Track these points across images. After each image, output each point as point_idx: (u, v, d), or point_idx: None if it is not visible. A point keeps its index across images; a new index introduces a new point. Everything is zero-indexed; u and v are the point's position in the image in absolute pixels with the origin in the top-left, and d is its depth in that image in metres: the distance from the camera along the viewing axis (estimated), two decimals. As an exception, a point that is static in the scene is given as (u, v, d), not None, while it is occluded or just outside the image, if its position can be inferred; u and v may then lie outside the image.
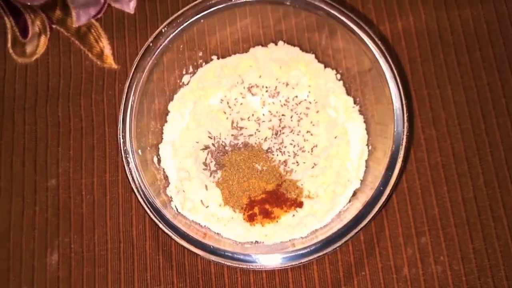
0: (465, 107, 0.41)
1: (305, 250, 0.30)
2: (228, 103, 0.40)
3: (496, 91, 0.41)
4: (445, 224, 0.38)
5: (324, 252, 0.29)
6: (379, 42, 0.33)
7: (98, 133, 0.41)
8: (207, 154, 0.38)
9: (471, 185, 0.39)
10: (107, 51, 0.44)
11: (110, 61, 0.43)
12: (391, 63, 0.32)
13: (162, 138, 0.39)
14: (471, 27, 0.43)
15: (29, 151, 0.41)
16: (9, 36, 0.45)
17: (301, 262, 0.30)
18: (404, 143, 0.30)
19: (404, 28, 0.43)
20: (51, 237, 0.39)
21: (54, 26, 0.45)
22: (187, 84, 0.40)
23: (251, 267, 0.30)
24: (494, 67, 0.42)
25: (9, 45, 0.44)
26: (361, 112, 0.38)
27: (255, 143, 0.38)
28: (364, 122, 0.38)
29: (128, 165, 0.32)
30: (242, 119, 0.39)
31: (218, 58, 0.41)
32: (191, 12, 0.35)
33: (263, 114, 0.39)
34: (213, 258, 0.29)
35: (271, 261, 0.30)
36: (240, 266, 0.30)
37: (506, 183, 0.39)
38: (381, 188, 0.30)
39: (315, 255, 0.30)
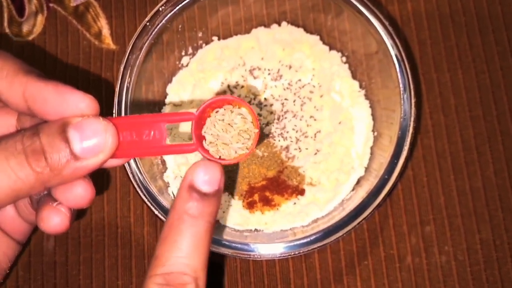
0: (476, 93, 0.39)
1: (306, 240, 0.29)
2: (228, 86, 0.38)
3: (509, 76, 0.40)
4: (451, 213, 0.37)
5: (325, 242, 0.29)
6: (387, 24, 0.31)
7: (96, 116, 0.40)
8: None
9: (480, 174, 0.38)
10: (105, 31, 0.42)
11: (108, 41, 0.42)
12: (399, 45, 0.31)
13: (160, 122, 0.37)
14: (484, 9, 0.41)
15: (26, 134, 0.41)
16: (5, 15, 0.43)
17: (300, 252, 0.29)
18: (411, 130, 0.29)
19: (413, 8, 0.41)
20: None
21: (51, 4, 0.43)
22: (186, 66, 0.39)
23: (249, 257, 0.29)
24: (508, 51, 0.40)
25: (5, 24, 0.43)
26: (366, 96, 0.37)
27: (256, 128, 0.37)
28: (370, 107, 0.36)
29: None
30: (243, 103, 0.38)
31: (218, 39, 0.39)
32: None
33: (265, 98, 0.38)
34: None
35: (271, 250, 0.29)
36: (238, 255, 0.29)
37: (517, 172, 0.38)
38: (386, 176, 0.29)
39: (316, 245, 0.29)
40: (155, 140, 0.23)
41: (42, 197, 0.24)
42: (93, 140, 0.21)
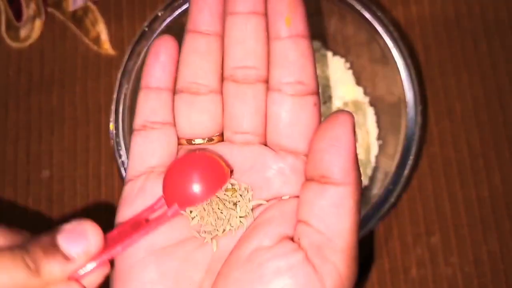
0: (482, 98, 0.39)
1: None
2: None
3: (515, 81, 0.39)
4: (457, 223, 0.36)
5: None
6: (391, 28, 0.30)
7: (94, 123, 0.40)
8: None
9: (486, 183, 0.37)
10: (104, 36, 0.42)
11: (106, 47, 0.41)
12: (404, 50, 0.30)
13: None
14: (490, 13, 0.40)
15: (22, 140, 0.40)
16: (3, 19, 0.43)
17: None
18: (416, 138, 0.28)
19: (418, 13, 0.40)
20: (44, 230, 0.38)
21: (49, 9, 0.43)
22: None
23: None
24: (514, 56, 0.39)
25: (2, 29, 0.43)
26: (371, 103, 0.36)
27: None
28: (375, 114, 0.36)
29: (120, 158, 0.30)
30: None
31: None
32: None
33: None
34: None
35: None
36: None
37: (524, 180, 0.37)
38: (391, 187, 0.28)
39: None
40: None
41: None
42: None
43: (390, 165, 0.30)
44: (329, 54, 0.37)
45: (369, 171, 0.34)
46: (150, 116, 0.21)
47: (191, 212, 0.20)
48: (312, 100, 0.21)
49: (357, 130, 0.36)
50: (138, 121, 0.22)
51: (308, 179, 0.19)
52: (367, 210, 0.28)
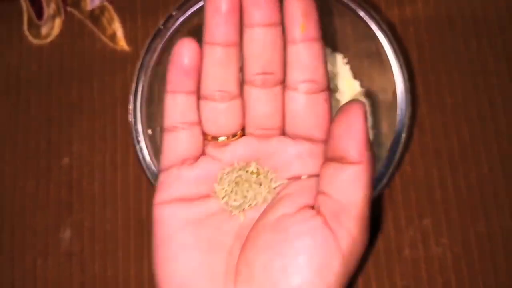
0: (471, 94, 0.41)
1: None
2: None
3: (503, 78, 0.41)
4: (447, 207, 0.39)
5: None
6: (385, 28, 0.33)
7: (110, 114, 0.43)
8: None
9: (475, 171, 0.40)
10: (119, 33, 0.45)
11: (122, 43, 0.44)
12: (396, 48, 0.33)
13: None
14: (479, 14, 0.43)
15: (44, 131, 0.43)
16: (25, 18, 0.46)
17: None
18: (406, 127, 0.31)
19: (412, 13, 0.43)
20: (65, 215, 0.41)
21: (68, 8, 0.46)
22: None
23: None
24: (502, 54, 0.42)
25: (25, 27, 0.46)
26: (366, 95, 0.39)
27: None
28: (370, 106, 0.39)
29: (139, 144, 0.33)
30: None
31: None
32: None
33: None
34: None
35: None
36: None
37: (510, 170, 0.39)
38: (383, 170, 0.31)
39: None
40: None
41: None
42: None
43: (382, 152, 0.32)
44: (329, 50, 0.40)
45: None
46: (179, 118, 0.24)
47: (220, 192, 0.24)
48: (324, 96, 0.24)
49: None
50: (168, 122, 0.24)
51: (328, 160, 0.22)
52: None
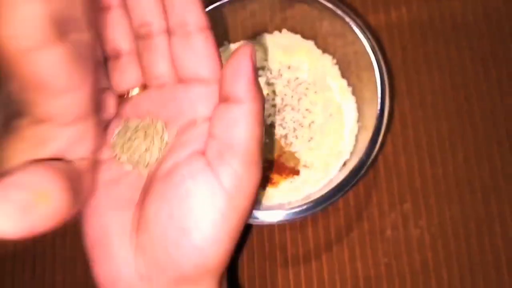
0: (450, 92, 0.46)
1: (300, 208, 0.35)
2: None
3: (478, 78, 0.46)
4: (426, 194, 0.43)
5: (316, 210, 0.35)
6: (367, 32, 0.37)
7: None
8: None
9: (451, 161, 0.44)
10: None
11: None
12: (377, 50, 0.37)
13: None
14: (458, 18, 0.47)
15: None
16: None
17: (296, 218, 0.35)
18: (384, 122, 0.35)
19: (397, 17, 0.47)
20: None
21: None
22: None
23: (252, 222, 0.36)
24: (478, 56, 0.46)
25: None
26: (353, 93, 0.43)
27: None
28: (356, 102, 0.43)
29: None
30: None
31: (228, 43, 0.46)
32: (207, 3, 0.39)
33: (267, 94, 0.44)
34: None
35: (270, 217, 0.36)
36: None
37: (483, 160, 0.44)
38: (364, 158, 0.35)
39: (309, 212, 0.35)
40: None
41: None
42: None
43: (366, 142, 0.37)
44: (320, 52, 0.44)
45: (350, 148, 0.41)
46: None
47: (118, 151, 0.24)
48: (203, 35, 0.24)
49: (343, 114, 0.43)
50: None
51: (219, 102, 0.22)
52: (346, 176, 0.36)
